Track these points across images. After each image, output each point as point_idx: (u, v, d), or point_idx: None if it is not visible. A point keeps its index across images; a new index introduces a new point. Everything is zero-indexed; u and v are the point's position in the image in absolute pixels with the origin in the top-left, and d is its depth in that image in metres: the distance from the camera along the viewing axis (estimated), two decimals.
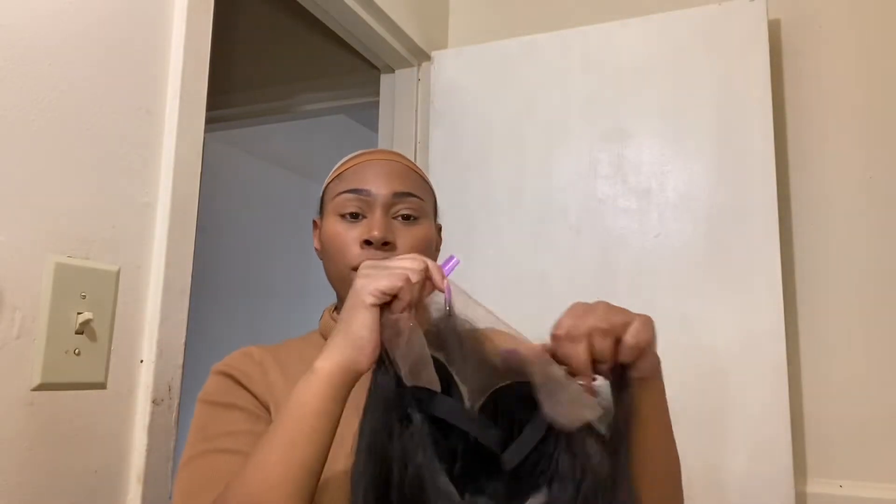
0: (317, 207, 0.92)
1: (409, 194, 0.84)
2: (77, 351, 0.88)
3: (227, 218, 2.96)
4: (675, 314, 1.41)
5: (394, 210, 0.83)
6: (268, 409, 0.77)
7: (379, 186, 0.83)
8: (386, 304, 0.62)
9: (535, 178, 1.60)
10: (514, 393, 0.61)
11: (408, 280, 0.62)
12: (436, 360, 0.63)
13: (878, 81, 1.49)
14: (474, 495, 0.58)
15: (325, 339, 0.88)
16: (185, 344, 1.03)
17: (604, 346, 0.61)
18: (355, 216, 0.82)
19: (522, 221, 1.59)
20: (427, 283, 0.64)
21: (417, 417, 0.59)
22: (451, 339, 0.66)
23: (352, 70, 2.08)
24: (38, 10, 0.86)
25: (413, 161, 0.93)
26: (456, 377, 0.63)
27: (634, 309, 0.66)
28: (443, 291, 0.64)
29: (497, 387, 0.61)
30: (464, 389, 0.63)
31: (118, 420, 0.94)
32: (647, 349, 0.62)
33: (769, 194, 1.40)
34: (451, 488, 0.57)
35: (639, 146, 1.53)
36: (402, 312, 0.61)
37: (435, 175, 1.71)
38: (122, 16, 0.97)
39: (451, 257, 0.68)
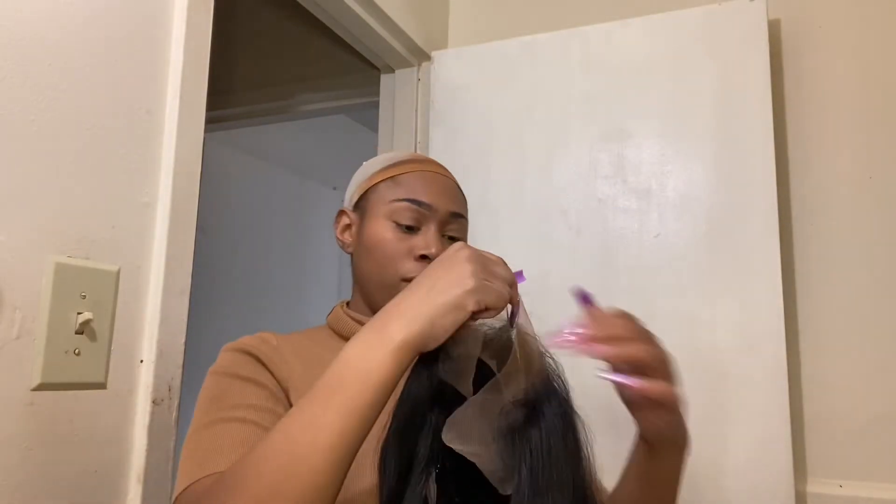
0: (349, 198, 0.92)
1: (461, 216, 0.88)
2: (77, 351, 0.88)
3: (227, 218, 2.96)
4: (675, 314, 1.41)
5: (445, 228, 0.86)
6: (287, 395, 0.74)
7: (440, 203, 0.85)
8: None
9: (535, 178, 1.60)
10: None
11: (505, 300, 0.61)
12: (487, 366, 0.62)
13: (878, 81, 1.49)
14: None
15: (337, 334, 0.88)
16: (185, 344, 1.03)
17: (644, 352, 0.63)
18: (410, 228, 0.84)
19: (522, 221, 1.59)
20: None
21: (439, 423, 0.59)
22: (505, 349, 0.65)
23: (352, 70, 2.08)
24: (37, 9, 0.86)
25: None
26: (502, 383, 0.62)
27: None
28: (516, 307, 0.63)
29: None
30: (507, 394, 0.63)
31: (118, 420, 0.94)
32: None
33: (769, 194, 1.40)
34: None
35: (639, 146, 1.53)
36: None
37: None
38: (122, 16, 0.97)
39: (520, 272, 0.66)
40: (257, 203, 3.19)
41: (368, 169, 0.92)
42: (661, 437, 0.69)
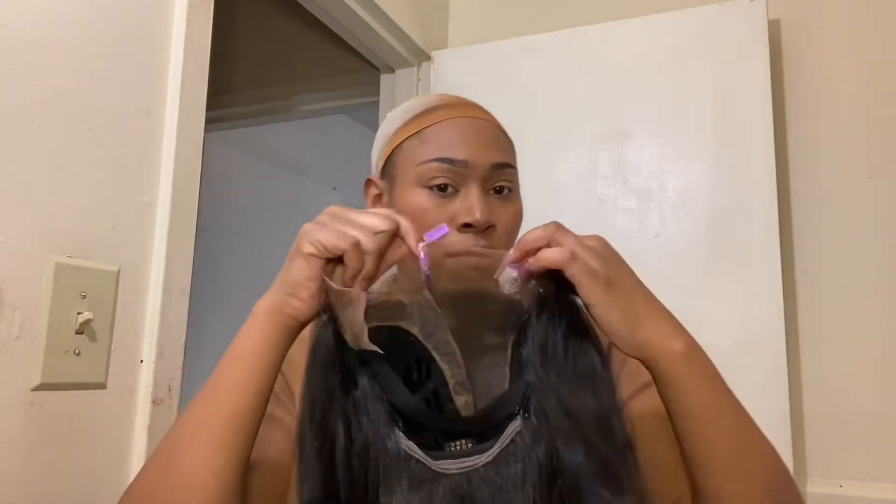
0: (375, 163, 0.78)
1: (507, 165, 0.72)
2: (77, 351, 0.88)
3: (227, 218, 2.96)
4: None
5: (489, 184, 0.70)
6: (292, 393, 0.70)
7: (478, 156, 0.69)
8: (336, 263, 0.56)
9: (536, 178, 1.60)
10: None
11: (356, 245, 0.55)
12: (409, 335, 0.61)
13: (878, 81, 1.49)
14: (434, 450, 0.56)
15: None
16: (185, 344, 1.03)
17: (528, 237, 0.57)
18: (444, 189, 0.69)
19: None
20: (401, 247, 0.58)
21: (364, 380, 0.55)
22: (430, 311, 0.63)
23: (352, 70, 2.08)
24: (38, 9, 0.86)
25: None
26: (434, 351, 0.62)
27: None
28: (417, 257, 0.57)
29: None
30: (447, 360, 0.61)
31: (118, 420, 0.94)
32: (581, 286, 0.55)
33: (769, 194, 1.40)
34: (408, 450, 0.55)
35: (639, 146, 1.53)
36: (352, 282, 0.56)
37: None
38: (123, 16, 0.97)
39: (442, 227, 0.61)
40: (257, 203, 3.18)
41: (391, 125, 0.77)
42: (621, 336, 0.57)
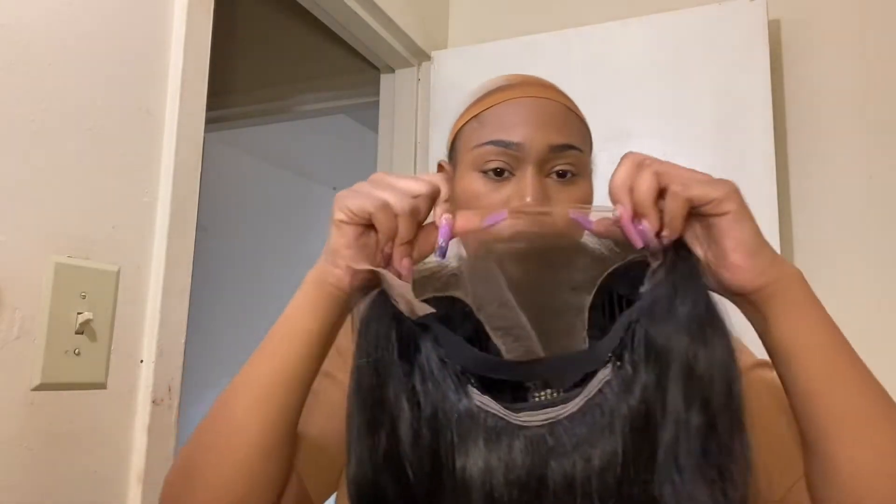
0: (447, 145, 0.77)
1: (569, 146, 0.68)
2: (77, 351, 0.88)
3: (227, 218, 2.96)
4: None
5: (548, 167, 0.67)
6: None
7: (531, 137, 0.66)
8: (372, 229, 0.53)
9: None
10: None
11: (384, 207, 0.51)
12: (466, 306, 0.55)
13: (878, 81, 1.49)
14: (515, 403, 0.50)
15: None
16: (185, 344, 1.03)
17: (643, 178, 0.50)
18: (500, 173, 0.66)
19: None
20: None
21: (427, 345, 0.51)
22: (481, 281, 0.56)
23: (352, 70, 2.08)
24: (37, 9, 0.86)
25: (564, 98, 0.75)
26: (487, 325, 0.55)
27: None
28: (439, 228, 0.53)
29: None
30: (500, 336, 0.54)
31: (118, 420, 0.94)
32: (723, 220, 0.49)
33: (769, 194, 1.40)
34: (482, 405, 0.49)
35: (639, 146, 1.52)
36: (389, 247, 0.53)
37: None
38: (123, 16, 0.97)
39: (502, 212, 0.56)
40: (257, 203, 3.19)
41: (461, 106, 0.76)
42: (751, 250, 0.51)
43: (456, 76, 1.74)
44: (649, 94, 1.54)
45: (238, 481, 0.53)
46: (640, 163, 0.52)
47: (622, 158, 0.53)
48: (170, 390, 0.99)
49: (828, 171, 1.50)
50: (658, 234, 0.51)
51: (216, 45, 1.10)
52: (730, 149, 1.46)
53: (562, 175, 0.67)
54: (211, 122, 1.14)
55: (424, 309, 0.52)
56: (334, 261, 0.54)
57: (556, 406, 0.49)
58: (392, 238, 0.52)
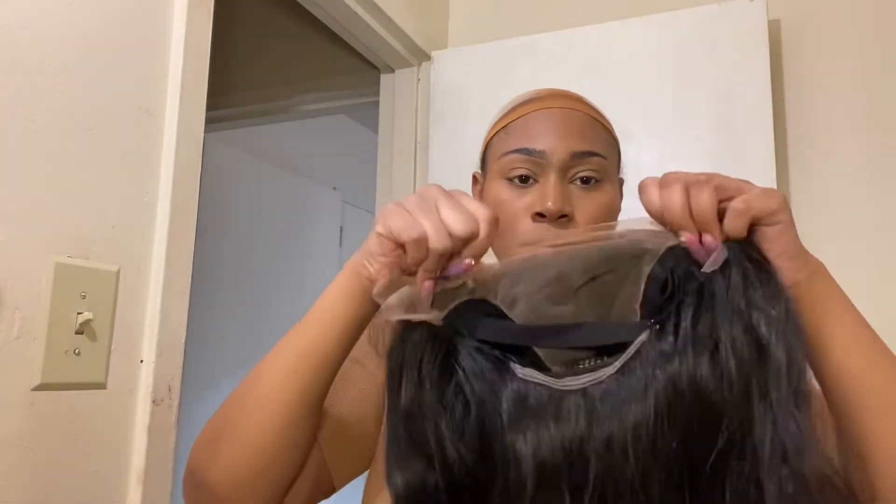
0: (478, 161, 0.81)
1: (591, 153, 0.70)
2: (77, 351, 0.88)
3: (227, 218, 2.96)
4: None
5: (571, 173, 0.69)
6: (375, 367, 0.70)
7: (553, 145, 0.69)
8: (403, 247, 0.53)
9: None
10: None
11: (420, 241, 0.51)
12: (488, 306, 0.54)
13: (878, 81, 1.49)
14: (562, 377, 0.50)
15: None
16: (185, 344, 1.03)
17: (703, 199, 0.48)
18: (525, 180, 0.70)
19: None
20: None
21: (462, 342, 0.51)
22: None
23: (352, 70, 2.08)
24: (37, 9, 0.86)
25: (590, 108, 0.78)
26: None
27: None
28: (457, 266, 0.53)
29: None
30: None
31: (118, 420, 0.94)
32: (773, 229, 0.50)
33: None
34: (525, 377, 0.50)
35: (639, 146, 1.53)
36: (415, 269, 0.52)
37: (435, 175, 1.71)
38: (122, 16, 0.97)
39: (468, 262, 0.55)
40: (257, 203, 3.19)
41: (493, 119, 0.80)
42: (791, 284, 0.50)
43: (456, 76, 1.74)
44: (649, 94, 1.54)
45: (267, 442, 0.57)
46: (689, 183, 0.50)
47: (662, 184, 0.51)
48: (170, 390, 0.99)
49: (828, 171, 1.50)
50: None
51: (216, 45, 1.10)
52: (730, 149, 1.46)
53: (585, 181, 0.70)
54: (211, 122, 1.14)
55: (438, 319, 0.52)
56: (368, 258, 0.56)
57: (598, 371, 0.50)
58: (419, 264, 0.52)
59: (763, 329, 0.47)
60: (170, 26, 1.04)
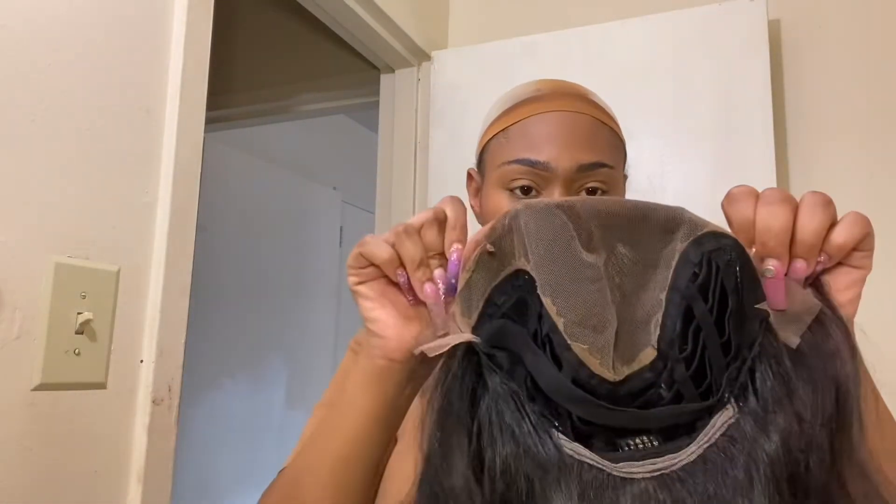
0: (475, 158, 0.76)
1: (598, 164, 0.65)
2: (77, 351, 0.88)
3: (227, 218, 2.96)
4: None
5: (577, 185, 0.65)
6: None
7: (558, 156, 0.64)
8: (384, 279, 0.48)
9: None
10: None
11: (379, 244, 0.46)
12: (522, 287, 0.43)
13: (879, 81, 1.49)
14: (606, 451, 0.40)
15: None
16: (185, 344, 1.03)
17: (815, 224, 0.43)
18: (527, 191, 0.65)
19: None
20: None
21: (495, 380, 0.41)
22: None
23: (352, 70, 2.08)
24: (37, 10, 0.86)
25: (595, 105, 0.70)
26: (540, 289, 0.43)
27: None
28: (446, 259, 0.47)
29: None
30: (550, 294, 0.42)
31: (118, 420, 0.94)
32: (859, 262, 0.44)
33: None
34: (574, 454, 0.40)
35: (639, 146, 1.53)
36: (402, 279, 0.47)
37: (435, 175, 1.71)
38: (122, 16, 0.97)
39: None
40: (257, 203, 3.19)
41: (490, 114, 0.74)
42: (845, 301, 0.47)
43: (456, 76, 1.74)
44: (649, 94, 1.54)
45: None
46: (800, 205, 0.45)
47: (764, 199, 0.44)
48: (170, 390, 0.99)
49: (828, 171, 1.50)
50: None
51: (216, 45, 1.10)
52: (730, 149, 1.46)
53: (591, 192, 0.65)
54: (211, 122, 1.14)
55: (468, 335, 0.43)
56: (373, 330, 0.49)
57: (664, 456, 0.40)
58: (399, 265, 0.47)
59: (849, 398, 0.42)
60: (170, 26, 1.04)
